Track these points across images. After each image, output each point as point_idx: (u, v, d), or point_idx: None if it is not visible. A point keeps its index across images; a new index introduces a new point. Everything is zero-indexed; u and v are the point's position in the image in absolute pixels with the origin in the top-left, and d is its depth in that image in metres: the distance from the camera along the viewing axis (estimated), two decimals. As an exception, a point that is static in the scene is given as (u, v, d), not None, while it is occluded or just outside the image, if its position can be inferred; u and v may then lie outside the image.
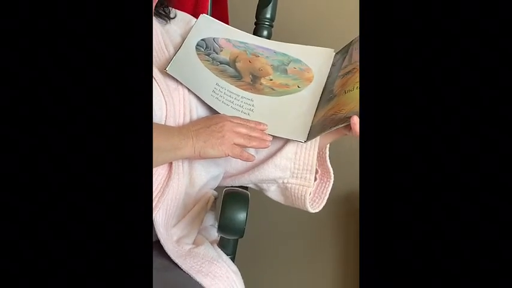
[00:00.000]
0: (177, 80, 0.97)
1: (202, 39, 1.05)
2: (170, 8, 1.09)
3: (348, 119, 0.88)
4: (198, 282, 0.88)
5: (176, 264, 0.90)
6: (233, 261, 1.01)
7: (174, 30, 1.08)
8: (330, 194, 1.00)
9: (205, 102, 0.98)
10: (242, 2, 1.37)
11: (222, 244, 1.00)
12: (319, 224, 1.54)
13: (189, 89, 0.98)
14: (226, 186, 1.04)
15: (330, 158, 1.01)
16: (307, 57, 1.07)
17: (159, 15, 1.07)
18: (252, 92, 1.00)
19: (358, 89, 0.91)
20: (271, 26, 1.16)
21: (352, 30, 0.98)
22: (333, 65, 1.05)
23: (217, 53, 1.04)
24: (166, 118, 0.95)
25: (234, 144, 0.91)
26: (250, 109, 0.99)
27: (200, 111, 0.99)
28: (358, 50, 0.99)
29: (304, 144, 0.98)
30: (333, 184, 1.00)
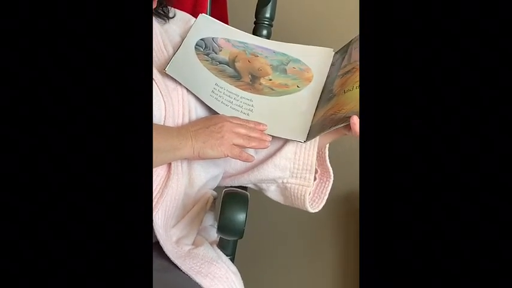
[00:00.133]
0: (176, 80, 0.97)
1: (201, 39, 1.05)
2: (169, 7, 1.09)
3: (347, 118, 0.88)
4: (197, 283, 0.87)
5: (175, 265, 0.90)
6: (233, 262, 1.01)
7: (173, 29, 1.08)
8: (329, 194, 1.00)
9: (204, 103, 0.98)
10: (241, 2, 1.37)
11: (222, 245, 0.99)
12: (319, 224, 1.54)
13: (188, 89, 0.98)
14: (226, 186, 1.04)
15: (329, 158, 1.01)
16: (306, 57, 1.06)
17: (158, 14, 1.07)
18: (251, 92, 1.00)
19: (358, 89, 0.91)
20: (270, 25, 1.16)
21: (352, 30, 0.98)
22: (332, 64, 1.05)
23: (216, 53, 1.04)
24: (165, 118, 0.95)
25: (233, 144, 0.91)
26: (249, 109, 0.98)
27: (199, 112, 0.99)
28: (357, 50, 0.99)
29: (304, 144, 0.98)
30: (332, 184, 1.00)
